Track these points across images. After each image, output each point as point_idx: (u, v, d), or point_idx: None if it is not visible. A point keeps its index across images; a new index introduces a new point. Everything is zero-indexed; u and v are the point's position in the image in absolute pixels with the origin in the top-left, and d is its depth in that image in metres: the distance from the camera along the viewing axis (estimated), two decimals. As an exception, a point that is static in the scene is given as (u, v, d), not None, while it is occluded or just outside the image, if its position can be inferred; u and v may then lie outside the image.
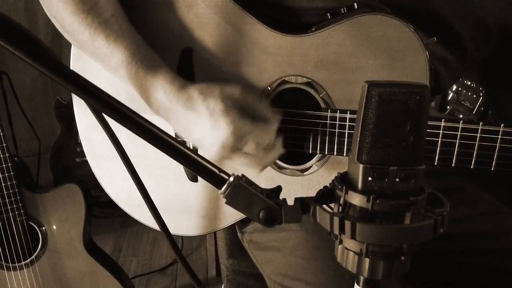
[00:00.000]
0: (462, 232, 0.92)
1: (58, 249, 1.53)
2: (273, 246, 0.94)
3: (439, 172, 0.94)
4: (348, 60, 0.81)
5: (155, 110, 0.79)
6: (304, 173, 0.88)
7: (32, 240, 1.51)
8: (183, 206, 0.94)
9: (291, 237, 0.92)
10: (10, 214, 1.44)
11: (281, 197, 0.50)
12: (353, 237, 0.42)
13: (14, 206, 1.44)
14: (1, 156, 1.39)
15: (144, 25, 0.83)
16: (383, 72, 0.80)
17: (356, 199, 0.43)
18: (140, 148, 0.85)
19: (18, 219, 1.46)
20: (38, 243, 1.51)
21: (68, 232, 1.52)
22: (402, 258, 0.44)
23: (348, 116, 0.81)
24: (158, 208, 0.58)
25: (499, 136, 0.76)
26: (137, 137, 0.47)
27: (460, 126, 0.77)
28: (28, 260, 1.51)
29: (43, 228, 1.51)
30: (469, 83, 1.61)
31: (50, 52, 1.96)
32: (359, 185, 0.43)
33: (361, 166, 0.43)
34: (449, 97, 1.69)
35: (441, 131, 0.78)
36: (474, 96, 1.58)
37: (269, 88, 0.84)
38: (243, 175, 0.49)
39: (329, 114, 0.82)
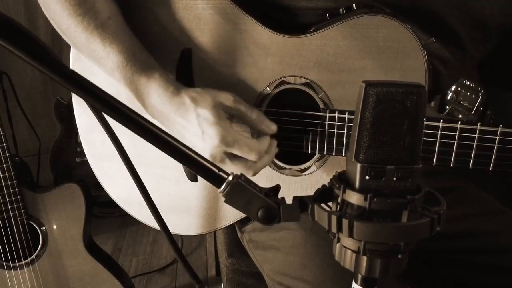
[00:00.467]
0: (461, 232, 0.92)
1: (59, 248, 1.53)
2: (273, 245, 0.95)
3: (437, 172, 0.95)
4: (346, 61, 0.81)
5: (150, 114, 0.80)
6: (303, 173, 0.88)
7: (33, 240, 1.51)
8: (183, 205, 0.94)
9: (290, 236, 0.92)
10: (11, 213, 1.45)
11: (280, 196, 0.51)
12: (350, 235, 0.43)
13: (15, 205, 1.44)
14: (2, 155, 1.39)
15: (143, 27, 0.84)
16: (381, 72, 0.81)
17: (354, 198, 0.44)
18: (140, 148, 0.86)
19: (18, 218, 1.46)
20: (39, 242, 1.51)
21: (69, 232, 1.53)
22: (399, 256, 0.44)
23: (346, 116, 0.82)
24: (158, 208, 0.58)
25: (497, 137, 0.76)
26: (137, 137, 0.48)
27: (458, 126, 0.77)
28: (29, 259, 1.51)
29: (44, 227, 1.51)
30: (468, 83, 1.62)
31: (51, 53, 1.96)
32: (357, 184, 0.44)
33: (358, 165, 0.43)
34: (448, 97, 1.70)
35: (439, 132, 0.78)
36: (473, 96, 1.58)
37: (268, 89, 0.85)
38: (242, 174, 0.50)
39: (327, 114, 0.83)
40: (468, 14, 0.84)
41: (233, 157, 0.78)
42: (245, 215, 0.52)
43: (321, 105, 0.84)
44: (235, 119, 0.80)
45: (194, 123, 0.76)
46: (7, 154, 1.40)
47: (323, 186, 0.49)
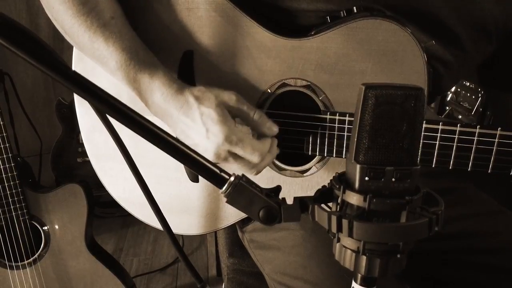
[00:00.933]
0: (460, 232, 0.93)
1: (61, 248, 1.54)
2: (273, 245, 0.95)
3: (437, 173, 0.95)
4: (347, 64, 0.82)
5: (154, 112, 0.80)
6: (304, 174, 0.89)
7: (35, 240, 1.52)
8: (184, 205, 0.95)
9: (290, 236, 0.93)
10: (13, 213, 1.45)
11: (280, 197, 0.51)
12: (350, 235, 0.43)
13: (17, 205, 1.45)
14: (4, 156, 1.40)
15: (145, 28, 0.84)
16: (381, 75, 0.81)
17: (354, 198, 0.44)
18: (142, 148, 0.86)
19: (21, 218, 1.47)
20: (41, 242, 1.52)
21: (70, 232, 1.53)
22: (398, 256, 0.45)
23: (347, 118, 0.82)
24: (160, 208, 0.59)
25: (496, 140, 0.77)
26: (139, 137, 0.48)
27: (457, 129, 0.78)
28: (31, 259, 1.52)
29: (46, 227, 1.51)
30: (468, 84, 1.62)
31: (55, 54, 1.96)
32: (356, 185, 0.44)
33: (358, 166, 0.44)
34: (448, 98, 1.70)
35: (439, 134, 0.79)
36: (473, 97, 1.59)
37: (269, 91, 0.85)
38: (243, 175, 0.50)
39: (328, 116, 0.83)
40: (468, 16, 0.85)
41: (236, 156, 0.79)
42: (246, 215, 0.53)
43: (322, 107, 0.84)
44: (237, 119, 0.81)
45: (198, 121, 0.76)
46: (10, 155, 1.40)
47: (323, 187, 0.49)
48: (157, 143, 0.49)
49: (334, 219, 0.44)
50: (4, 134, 1.39)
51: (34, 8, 2.36)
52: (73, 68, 0.91)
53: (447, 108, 1.67)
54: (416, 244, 0.46)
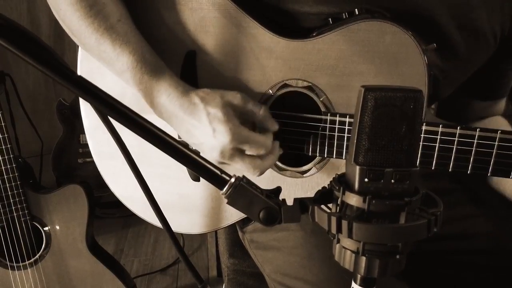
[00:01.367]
0: (459, 233, 0.93)
1: (62, 249, 1.54)
2: (273, 246, 0.96)
3: (436, 173, 0.96)
4: (348, 65, 0.82)
5: (158, 113, 0.81)
6: (304, 175, 0.89)
7: (36, 240, 1.52)
8: (186, 205, 0.95)
9: (291, 237, 0.93)
10: (15, 214, 1.45)
11: (281, 198, 0.52)
12: (350, 236, 0.44)
13: (19, 206, 1.45)
14: (6, 157, 1.40)
15: (149, 29, 0.85)
16: (382, 77, 0.81)
17: (353, 200, 0.45)
18: (143, 147, 0.86)
19: (22, 219, 1.47)
20: (42, 243, 1.52)
21: (71, 232, 1.54)
22: (398, 256, 0.45)
23: (347, 120, 0.83)
24: (160, 207, 0.59)
25: (496, 143, 0.77)
26: (141, 137, 0.49)
27: (457, 132, 0.78)
28: (32, 259, 1.52)
29: (47, 228, 1.52)
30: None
31: (55, 55, 1.97)
32: (356, 186, 0.45)
33: (357, 167, 0.44)
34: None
35: (438, 137, 0.79)
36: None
37: (271, 92, 0.86)
38: (243, 176, 0.51)
39: (329, 117, 0.84)
40: (467, 23, 0.85)
41: (241, 155, 0.79)
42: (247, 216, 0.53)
43: (323, 109, 0.85)
44: (242, 117, 0.81)
45: (205, 121, 0.77)
46: (11, 156, 1.41)
47: (323, 188, 0.49)
48: (158, 144, 0.49)
49: (333, 220, 0.44)
50: (6, 135, 1.40)
51: (35, 9, 2.37)
52: (79, 67, 0.92)
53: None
54: (415, 245, 0.46)
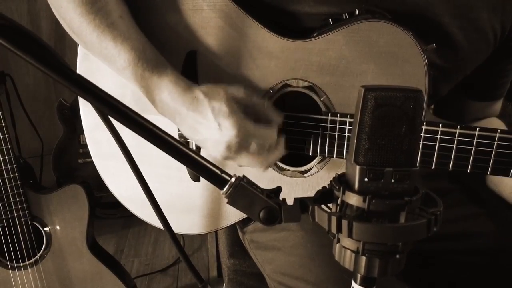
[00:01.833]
0: (459, 232, 0.93)
1: (62, 249, 1.54)
2: (274, 246, 0.96)
3: (436, 173, 0.96)
4: (348, 65, 0.82)
5: (160, 110, 0.81)
6: (304, 175, 0.89)
7: (36, 240, 1.52)
8: (186, 205, 0.95)
9: (291, 237, 0.93)
10: (15, 214, 1.46)
11: (281, 197, 0.52)
12: (350, 235, 0.44)
13: (19, 206, 1.45)
14: (6, 157, 1.40)
15: (150, 28, 0.85)
16: (382, 77, 0.82)
17: (353, 199, 0.45)
18: (143, 147, 0.87)
19: (22, 219, 1.47)
20: (42, 243, 1.53)
21: (72, 232, 1.54)
22: (398, 256, 0.45)
23: (348, 120, 0.83)
24: (161, 207, 0.60)
25: (495, 142, 0.77)
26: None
27: (457, 131, 0.78)
28: (32, 260, 1.52)
29: (47, 228, 1.52)
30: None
31: (56, 55, 1.97)
32: (356, 186, 0.45)
33: (357, 167, 0.44)
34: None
35: (438, 136, 0.79)
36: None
37: (271, 91, 0.86)
38: (244, 176, 0.51)
39: (329, 117, 0.84)
40: (468, 23, 0.85)
41: (247, 148, 0.79)
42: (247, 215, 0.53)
43: (323, 109, 0.85)
44: (246, 110, 0.81)
45: (210, 116, 0.77)
46: (12, 156, 1.41)
47: (323, 187, 0.49)
48: (158, 144, 0.49)
49: (334, 219, 0.44)
50: (6, 136, 1.40)
51: (35, 9, 2.37)
52: (78, 67, 0.92)
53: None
54: (415, 245, 0.46)
